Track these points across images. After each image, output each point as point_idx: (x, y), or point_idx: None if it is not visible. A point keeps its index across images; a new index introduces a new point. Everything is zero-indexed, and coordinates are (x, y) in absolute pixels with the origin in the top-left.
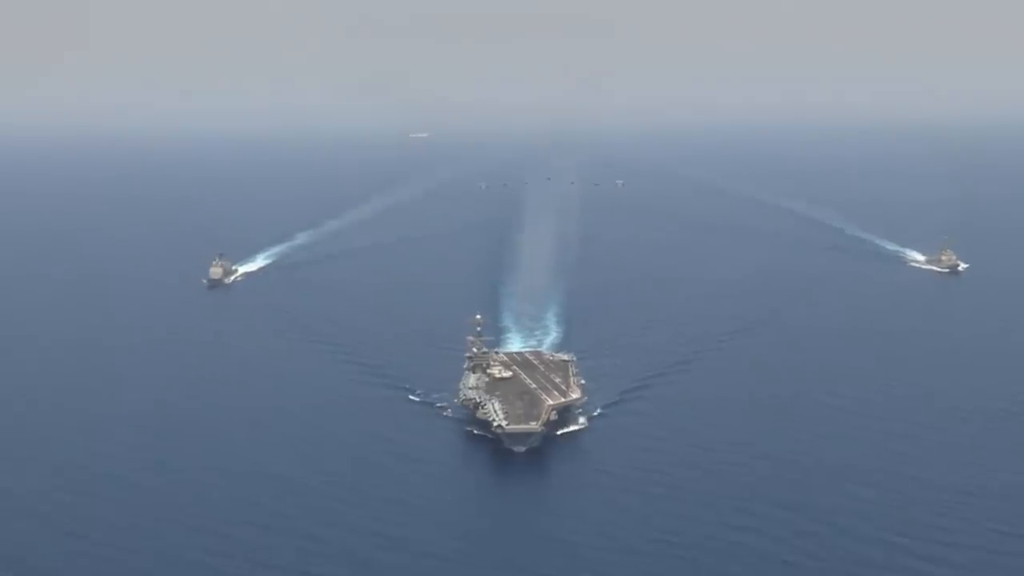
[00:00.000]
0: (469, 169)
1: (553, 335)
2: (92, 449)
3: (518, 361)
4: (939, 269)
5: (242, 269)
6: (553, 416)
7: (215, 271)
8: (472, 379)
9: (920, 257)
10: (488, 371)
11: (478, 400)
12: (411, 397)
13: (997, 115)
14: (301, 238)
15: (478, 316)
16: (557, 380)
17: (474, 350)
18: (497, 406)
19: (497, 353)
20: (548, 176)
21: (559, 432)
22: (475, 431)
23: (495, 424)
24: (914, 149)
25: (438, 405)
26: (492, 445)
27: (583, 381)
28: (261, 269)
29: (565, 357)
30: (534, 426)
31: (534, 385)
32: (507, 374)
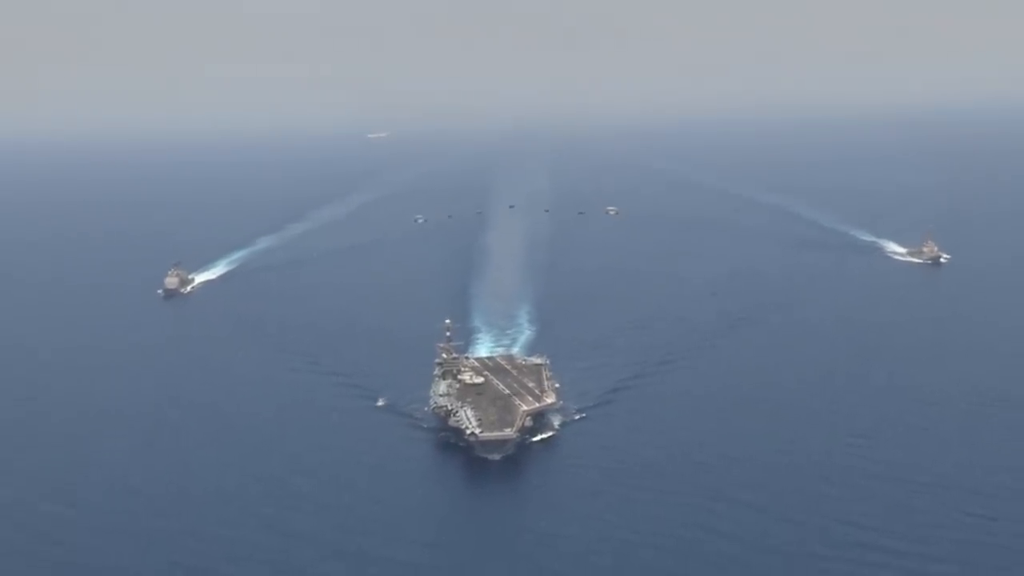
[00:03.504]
0: (426, 171)
1: (526, 336)
2: (50, 463)
3: (490, 366)
4: (921, 261)
5: (200, 278)
6: (528, 422)
7: (171, 281)
8: (443, 386)
9: (901, 249)
10: (459, 377)
11: (450, 407)
12: (381, 405)
13: (977, 103)
14: (263, 243)
15: (447, 321)
16: (531, 384)
17: (444, 356)
18: (470, 413)
19: (468, 358)
20: (511, 203)
21: (534, 439)
22: (448, 439)
23: (468, 432)
24: (893, 138)
25: (409, 413)
26: (465, 453)
27: (558, 385)
28: (220, 277)
29: (538, 360)
30: (509, 433)
31: (507, 391)
32: (479, 380)
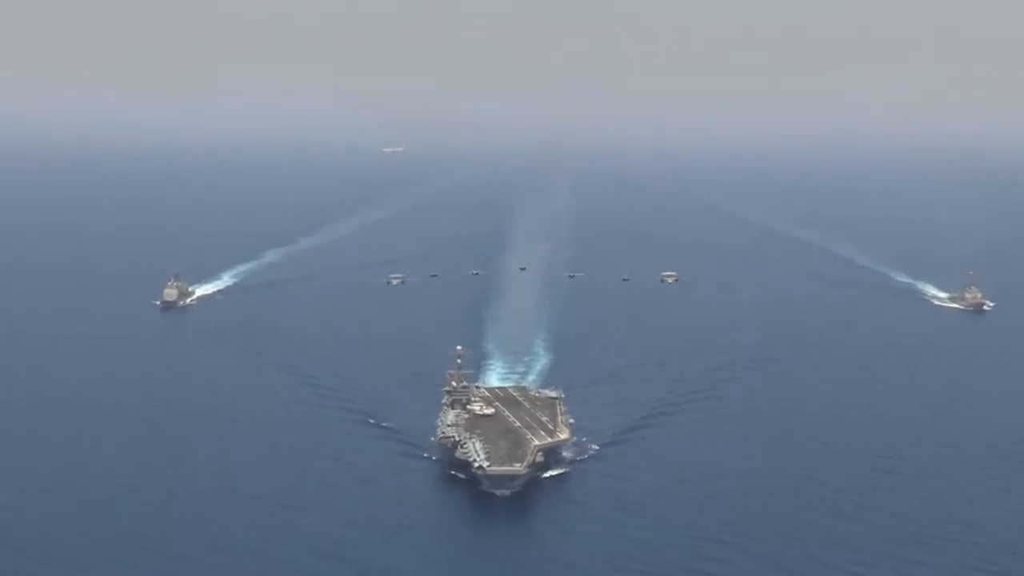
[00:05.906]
0: (436, 195)
1: (541, 366)
2: (43, 473)
3: (501, 397)
4: (963, 307)
5: (200, 290)
6: (539, 457)
7: (169, 292)
8: (451, 416)
9: (942, 294)
10: (468, 407)
11: (457, 439)
12: (384, 433)
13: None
14: (269, 256)
15: (458, 348)
16: (544, 418)
17: (453, 384)
18: (478, 445)
19: (478, 388)
20: (522, 266)
21: (545, 475)
22: (454, 472)
23: (476, 465)
24: (934, 174)
25: (413, 441)
26: (472, 488)
27: (572, 420)
28: (223, 290)
29: (552, 394)
30: (518, 468)
31: (518, 423)
32: (489, 411)
